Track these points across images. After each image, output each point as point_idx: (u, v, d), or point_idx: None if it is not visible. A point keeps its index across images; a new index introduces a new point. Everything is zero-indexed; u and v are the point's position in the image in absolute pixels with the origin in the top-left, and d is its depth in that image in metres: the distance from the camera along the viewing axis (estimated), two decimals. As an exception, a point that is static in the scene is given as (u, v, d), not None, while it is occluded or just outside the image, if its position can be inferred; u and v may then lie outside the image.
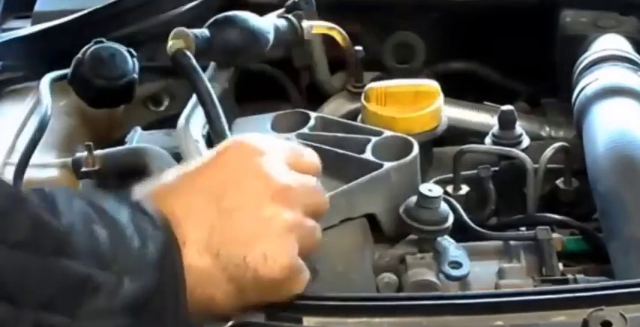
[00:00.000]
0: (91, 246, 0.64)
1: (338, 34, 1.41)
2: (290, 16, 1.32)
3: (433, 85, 1.24)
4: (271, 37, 1.24)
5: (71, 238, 0.63)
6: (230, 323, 0.79)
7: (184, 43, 1.13)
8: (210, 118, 1.08)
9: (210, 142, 1.09)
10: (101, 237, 0.65)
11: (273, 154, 0.79)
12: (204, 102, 1.08)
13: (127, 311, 0.64)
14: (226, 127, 1.07)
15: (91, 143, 1.20)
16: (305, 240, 0.78)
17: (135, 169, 1.17)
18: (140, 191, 0.73)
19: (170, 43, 1.13)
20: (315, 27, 1.37)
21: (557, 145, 1.18)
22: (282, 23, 1.30)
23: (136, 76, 1.26)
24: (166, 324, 0.68)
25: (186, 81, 1.11)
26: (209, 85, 1.09)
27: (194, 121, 1.21)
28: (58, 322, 0.60)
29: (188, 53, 1.11)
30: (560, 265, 1.06)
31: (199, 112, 1.17)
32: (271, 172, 0.77)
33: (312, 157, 0.86)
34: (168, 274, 0.68)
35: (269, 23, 1.26)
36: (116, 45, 1.25)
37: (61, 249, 0.62)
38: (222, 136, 1.05)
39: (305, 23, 1.34)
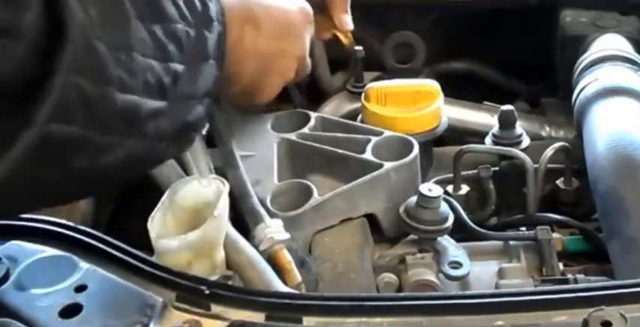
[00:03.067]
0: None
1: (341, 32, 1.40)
2: None
3: (433, 85, 1.24)
4: None
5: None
6: (230, 323, 0.79)
7: None
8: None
9: (211, 141, 1.09)
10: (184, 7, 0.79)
11: None
12: None
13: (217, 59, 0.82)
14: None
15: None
16: None
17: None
18: None
19: None
20: None
21: (557, 145, 1.18)
22: None
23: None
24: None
25: None
26: None
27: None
28: (175, 68, 0.76)
29: None
30: (560, 265, 1.06)
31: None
32: None
33: None
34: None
35: None
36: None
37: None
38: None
39: None
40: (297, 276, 0.91)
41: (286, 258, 0.92)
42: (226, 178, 0.93)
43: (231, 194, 0.92)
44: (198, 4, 0.80)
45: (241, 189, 1.00)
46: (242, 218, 0.98)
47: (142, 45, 0.72)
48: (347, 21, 1.22)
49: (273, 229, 0.93)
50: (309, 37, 1.02)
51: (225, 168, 1.04)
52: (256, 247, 0.92)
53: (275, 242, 0.92)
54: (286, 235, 0.93)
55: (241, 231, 0.93)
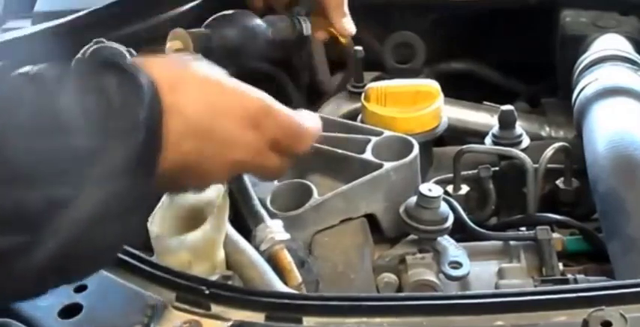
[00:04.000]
0: (84, 117, 0.64)
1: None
2: (290, 13, 1.32)
3: (433, 85, 1.24)
4: (270, 35, 1.24)
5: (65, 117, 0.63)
6: (230, 323, 0.79)
7: (183, 43, 1.13)
8: None
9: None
10: (91, 106, 0.64)
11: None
12: None
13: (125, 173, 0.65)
14: None
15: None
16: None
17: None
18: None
19: (169, 44, 1.13)
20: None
21: (557, 145, 1.18)
22: (282, 21, 1.30)
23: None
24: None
25: None
26: None
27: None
28: (64, 193, 0.61)
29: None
30: (560, 265, 1.06)
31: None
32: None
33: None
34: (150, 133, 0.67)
35: (268, 21, 1.25)
36: (116, 45, 1.25)
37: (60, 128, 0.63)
38: None
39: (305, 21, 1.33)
40: (297, 276, 0.91)
41: (287, 258, 0.92)
42: (226, 178, 0.93)
43: (231, 194, 0.92)
44: (117, 106, 0.64)
45: (241, 189, 1.00)
46: (242, 218, 0.98)
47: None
48: (348, 26, 1.20)
49: (273, 230, 0.93)
50: (260, 139, 0.78)
51: None
52: (257, 247, 0.92)
53: (275, 242, 0.92)
54: (287, 236, 0.93)
55: (241, 231, 0.93)
